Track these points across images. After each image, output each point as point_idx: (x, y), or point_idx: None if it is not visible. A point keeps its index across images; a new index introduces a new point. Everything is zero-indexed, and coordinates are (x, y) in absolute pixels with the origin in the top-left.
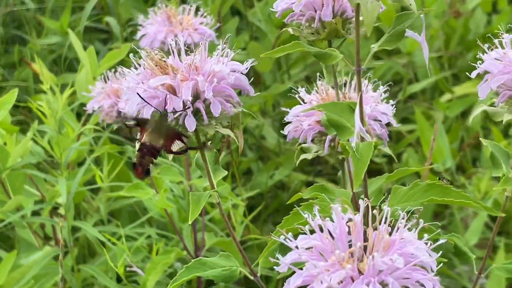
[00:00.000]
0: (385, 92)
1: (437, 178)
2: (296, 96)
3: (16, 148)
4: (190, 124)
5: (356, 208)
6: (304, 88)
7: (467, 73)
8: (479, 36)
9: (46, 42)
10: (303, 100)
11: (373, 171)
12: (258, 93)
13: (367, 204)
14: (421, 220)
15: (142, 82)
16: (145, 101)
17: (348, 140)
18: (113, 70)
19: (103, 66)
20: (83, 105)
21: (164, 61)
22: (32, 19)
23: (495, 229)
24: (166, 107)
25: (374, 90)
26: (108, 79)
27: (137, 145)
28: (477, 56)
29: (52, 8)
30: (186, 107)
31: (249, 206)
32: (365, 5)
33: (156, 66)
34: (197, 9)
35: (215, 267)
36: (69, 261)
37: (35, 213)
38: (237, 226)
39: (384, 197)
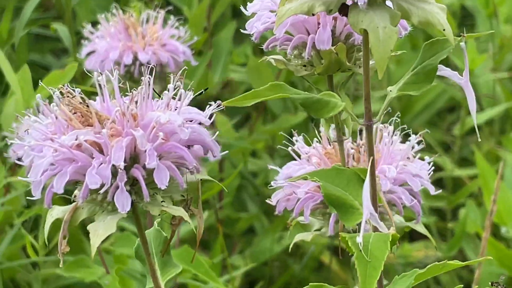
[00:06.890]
0: (418, 143)
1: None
2: (289, 149)
3: None
4: (122, 202)
5: None
6: (301, 136)
7: None
8: None
9: None
10: (298, 155)
11: (417, 234)
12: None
13: None
14: None
15: (52, 139)
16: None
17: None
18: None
19: (40, 92)
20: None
21: (87, 105)
22: None
23: None
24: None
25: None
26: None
27: None
28: None
29: None
30: (117, 178)
31: (249, 281)
32: (375, 32)
33: (74, 113)
34: (167, 17)
35: None
36: None
37: None
38: None
39: None
